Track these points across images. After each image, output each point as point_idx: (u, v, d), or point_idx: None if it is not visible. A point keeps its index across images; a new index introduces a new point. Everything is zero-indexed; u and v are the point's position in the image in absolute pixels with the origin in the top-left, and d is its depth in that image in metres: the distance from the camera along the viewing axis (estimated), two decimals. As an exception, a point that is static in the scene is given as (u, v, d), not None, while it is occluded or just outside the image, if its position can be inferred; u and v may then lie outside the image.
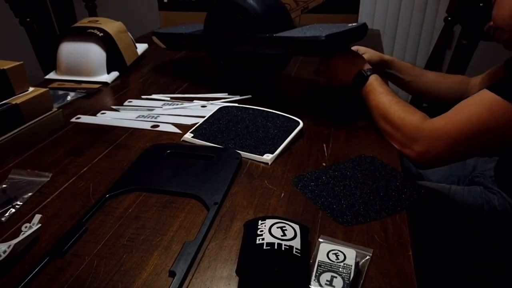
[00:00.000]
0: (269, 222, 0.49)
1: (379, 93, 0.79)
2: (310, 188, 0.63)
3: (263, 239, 0.47)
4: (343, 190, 0.63)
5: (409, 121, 0.72)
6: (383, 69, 1.01)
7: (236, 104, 0.90)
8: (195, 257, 0.50)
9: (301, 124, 0.80)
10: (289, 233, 0.48)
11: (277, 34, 0.86)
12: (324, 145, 0.76)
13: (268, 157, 0.71)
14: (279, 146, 0.73)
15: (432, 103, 1.10)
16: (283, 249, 0.46)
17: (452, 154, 0.69)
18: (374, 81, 0.82)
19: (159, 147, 0.75)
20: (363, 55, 0.94)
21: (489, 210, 0.84)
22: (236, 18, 0.93)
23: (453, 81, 1.02)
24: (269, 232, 0.48)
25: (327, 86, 1.06)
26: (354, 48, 0.96)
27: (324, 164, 0.70)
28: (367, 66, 0.85)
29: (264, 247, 0.46)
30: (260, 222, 0.50)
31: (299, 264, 0.46)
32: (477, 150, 0.70)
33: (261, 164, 0.70)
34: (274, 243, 0.46)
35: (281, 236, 0.47)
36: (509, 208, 0.82)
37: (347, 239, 0.53)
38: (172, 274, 0.48)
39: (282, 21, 0.94)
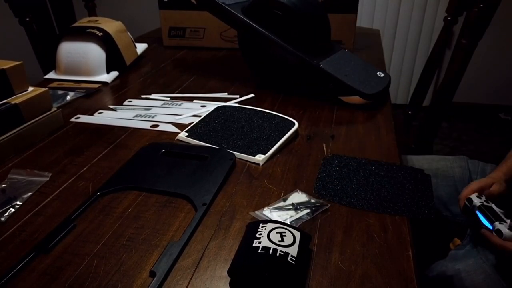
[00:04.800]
0: (270, 226, 0.49)
1: None
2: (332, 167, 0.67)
3: (259, 242, 0.46)
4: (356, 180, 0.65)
5: None
6: None
7: (234, 104, 0.90)
8: (178, 258, 0.50)
9: (296, 125, 0.80)
10: (288, 240, 0.47)
11: (322, 65, 0.91)
12: (324, 145, 0.76)
13: (260, 158, 0.70)
14: (272, 147, 0.73)
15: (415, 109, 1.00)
16: (277, 255, 0.45)
17: None
18: None
19: (155, 146, 0.75)
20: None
21: None
22: (275, 14, 0.93)
23: None
24: (267, 236, 0.47)
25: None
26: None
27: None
28: None
29: (259, 251, 0.45)
30: (261, 225, 0.49)
31: (292, 272, 0.45)
32: None
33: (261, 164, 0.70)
34: (269, 248, 0.45)
35: (279, 241, 0.47)
36: None
37: (346, 239, 0.53)
38: (152, 274, 0.47)
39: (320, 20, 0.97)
